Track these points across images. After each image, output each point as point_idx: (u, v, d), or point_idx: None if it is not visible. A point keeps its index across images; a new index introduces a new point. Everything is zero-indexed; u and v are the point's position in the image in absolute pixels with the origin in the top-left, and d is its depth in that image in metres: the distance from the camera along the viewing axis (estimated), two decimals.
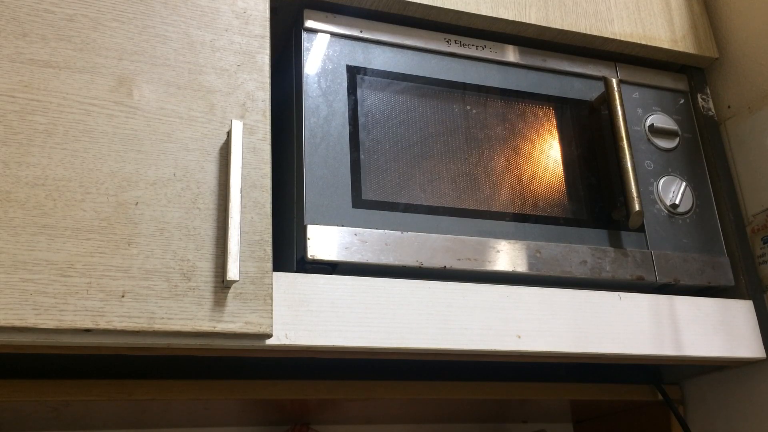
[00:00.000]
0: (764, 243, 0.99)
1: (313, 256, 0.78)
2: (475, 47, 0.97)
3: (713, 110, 1.08)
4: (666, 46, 1.06)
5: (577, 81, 1.01)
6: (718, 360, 0.92)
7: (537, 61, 1.00)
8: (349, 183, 0.83)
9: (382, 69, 0.91)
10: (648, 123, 1.02)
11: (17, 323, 0.63)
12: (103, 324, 0.65)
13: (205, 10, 0.81)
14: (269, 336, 0.71)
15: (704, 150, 1.05)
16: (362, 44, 0.91)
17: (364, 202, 0.83)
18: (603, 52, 1.05)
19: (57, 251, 0.66)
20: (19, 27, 0.73)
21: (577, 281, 0.90)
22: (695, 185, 1.01)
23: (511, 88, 0.97)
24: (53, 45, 0.73)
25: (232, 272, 0.69)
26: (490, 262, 0.85)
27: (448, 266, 0.83)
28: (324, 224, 0.80)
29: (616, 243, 0.93)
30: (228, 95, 0.78)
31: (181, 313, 0.68)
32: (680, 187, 0.99)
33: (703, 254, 0.97)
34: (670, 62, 1.10)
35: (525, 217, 0.90)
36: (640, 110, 1.03)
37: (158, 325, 0.67)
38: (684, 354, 0.89)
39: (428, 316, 0.79)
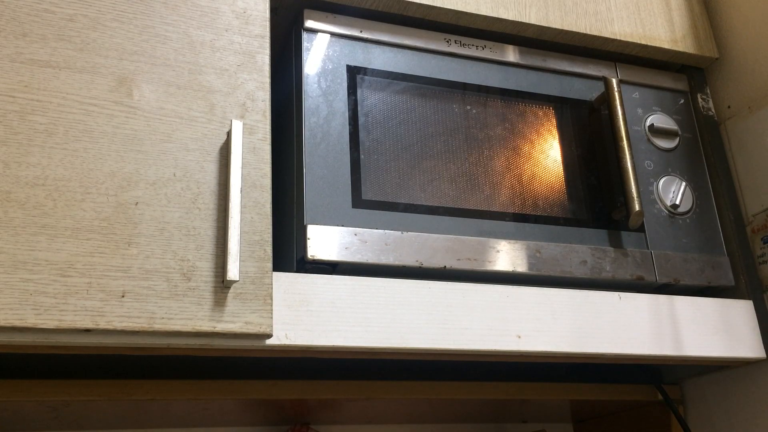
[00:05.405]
0: (764, 243, 0.99)
1: (313, 256, 0.78)
2: (475, 47, 0.97)
3: (713, 110, 1.08)
4: (666, 46, 1.06)
5: (577, 81, 1.01)
6: (718, 360, 0.92)
7: (537, 61, 1.00)
8: (349, 183, 0.83)
9: (382, 69, 0.91)
10: (648, 123, 1.02)
11: (17, 323, 0.63)
12: (103, 324, 0.65)
13: (205, 10, 0.81)
14: (269, 336, 0.71)
15: (704, 150, 1.05)
16: (362, 44, 0.91)
17: (364, 202, 0.83)
18: (603, 52, 1.05)
19: (57, 251, 0.66)
20: (19, 27, 0.73)
21: (577, 281, 0.90)
22: (695, 185, 1.01)
23: (511, 88, 0.97)
24: (53, 45, 0.73)
25: (232, 272, 0.69)
26: (490, 262, 0.85)
27: (448, 266, 0.83)
28: (324, 224, 0.80)
29: (616, 243, 0.93)
30: (228, 95, 0.78)
31: (181, 313, 0.68)
32: (680, 187, 0.99)
33: (703, 254, 0.97)
34: (670, 62, 1.10)
35: (525, 217, 0.90)
36: (640, 110, 1.03)
37: (158, 325, 0.67)
38: (684, 354, 0.89)
39: (428, 316, 0.79)
